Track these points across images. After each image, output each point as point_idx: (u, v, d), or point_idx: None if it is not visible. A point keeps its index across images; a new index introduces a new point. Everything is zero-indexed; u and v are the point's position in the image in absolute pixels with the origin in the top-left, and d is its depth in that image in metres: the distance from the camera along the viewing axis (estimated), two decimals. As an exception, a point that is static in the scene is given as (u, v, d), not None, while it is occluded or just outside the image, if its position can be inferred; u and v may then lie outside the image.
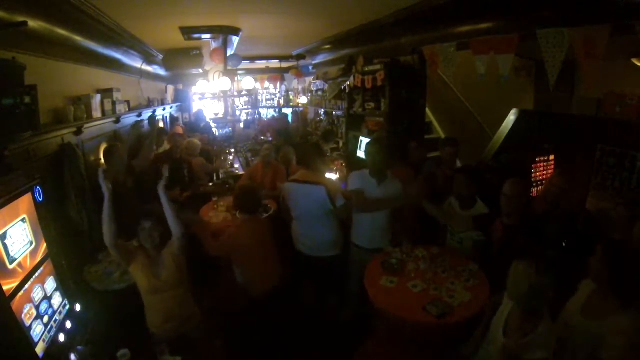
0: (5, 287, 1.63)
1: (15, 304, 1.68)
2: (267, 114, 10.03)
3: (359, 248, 2.95)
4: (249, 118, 9.40)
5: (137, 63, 5.07)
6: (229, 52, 5.00)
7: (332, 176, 4.87)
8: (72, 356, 1.93)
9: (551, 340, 1.59)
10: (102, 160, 3.28)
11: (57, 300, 2.06)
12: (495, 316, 1.87)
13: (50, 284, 2.05)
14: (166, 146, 5.18)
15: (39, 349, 1.76)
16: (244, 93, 9.06)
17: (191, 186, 4.20)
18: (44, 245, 2.06)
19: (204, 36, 4.64)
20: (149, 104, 5.81)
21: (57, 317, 2.01)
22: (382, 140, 3.20)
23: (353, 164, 4.77)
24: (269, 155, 4.16)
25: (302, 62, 8.07)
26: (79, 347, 1.99)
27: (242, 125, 8.12)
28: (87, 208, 2.81)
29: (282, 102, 10.12)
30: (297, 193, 2.97)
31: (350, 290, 3.09)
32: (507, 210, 2.51)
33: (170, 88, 7.77)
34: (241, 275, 2.73)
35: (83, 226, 2.76)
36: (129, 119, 4.68)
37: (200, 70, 7.12)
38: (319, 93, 7.11)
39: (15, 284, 1.72)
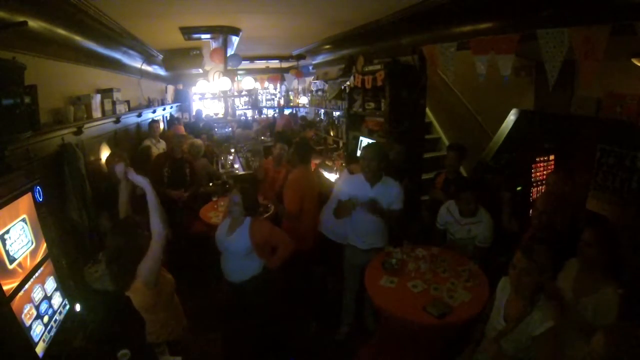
0: (5, 287, 1.63)
1: (15, 304, 1.68)
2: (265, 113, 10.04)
3: (353, 248, 2.92)
4: (249, 118, 9.40)
5: (137, 63, 5.07)
6: (229, 52, 5.00)
7: (332, 176, 4.89)
8: (72, 356, 1.93)
9: (554, 310, 1.69)
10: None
11: (57, 300, 2.06)
12: (493, 309, 1.92)
13: (50, 284, 2.05)
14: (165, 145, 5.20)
15: (39, 349, 1.76)
16: (244, 93, 9.06)
17: (192, 186, 4.20)
18: (44, 245, 2.06)
19: (203, 36, 4.63)
20: (149, 104, 5.82)
21: (57, 317, 2.00)
22: (379, 145, 3.22)
23: (353, 163, 4.78)
24: (281, 155, 4.06)
25: (302, 62, 8.07)
26: (79, 347, 1.99)
27: (237, 126, 8.09)
28: (88, 208, 2.81)
29: (282, 102, 10.12)
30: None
31: (346, 305, 3.10)
32: (536, 224, 2.51)
33: (170, 88, 7.78)
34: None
35: (83, 226, 2.76)
36: (129, 119, 4.69)
37: (200, 70, 7.12)
38: (319, 93, 7.11)
39: (15, 284, 1.72)
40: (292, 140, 4.29)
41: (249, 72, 8.63)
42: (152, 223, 1.92)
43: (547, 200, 2.58)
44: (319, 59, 7.05)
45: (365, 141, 4.93)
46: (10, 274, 1.71)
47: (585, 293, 1.86)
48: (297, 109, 9.64)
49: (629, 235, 2.40)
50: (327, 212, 3.35)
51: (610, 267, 1.87)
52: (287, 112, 9.64)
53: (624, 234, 2.35)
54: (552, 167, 4.07)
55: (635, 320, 1.30)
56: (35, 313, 1.81)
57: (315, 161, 5.37)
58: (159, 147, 5.07)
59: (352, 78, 4.86)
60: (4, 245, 1.70)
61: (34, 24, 2.19)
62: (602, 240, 1.86)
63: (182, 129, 6.16)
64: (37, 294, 1.89)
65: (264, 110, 10.16)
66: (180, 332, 2.14)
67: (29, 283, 1.84)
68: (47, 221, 2.11)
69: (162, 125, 6.77)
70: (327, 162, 5.41)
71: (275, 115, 9.77)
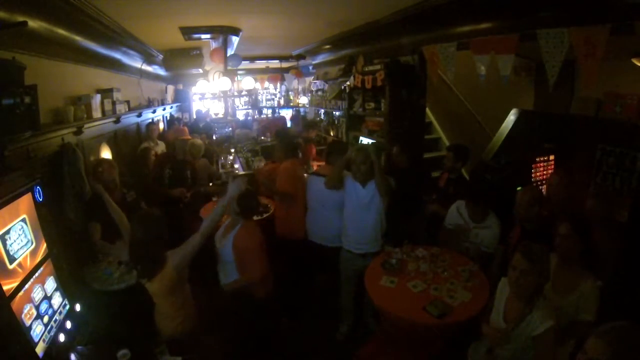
0: (5, 287, 1.63)
1: (15, 304, 1.68)
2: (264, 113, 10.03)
3: (349, 253, 2.93)
4: (249, 118, 9.40)
5: (137, 63, 5.07)
6: (229, 52, 5.00)
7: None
8: (72, 356, 1.93)
9: (552, 309, 1.72)
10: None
11: (57, 300, 2.06)
12: (493, 310, 1.93)
13: (50, 284, 2.05)
14: (163, 146, 5.19)
15: (39, 349, 1.76)
16: (244, 93, 9.06)
17: (194, 187, 4.21)
18: (44, 245, 2.06)
19: (203, 36, 4.64)
20: (149, 104, 5.82)
21: (57, 317, 2.01)
22: (368, 149, 3.23)
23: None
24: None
25: (302, 62, 8.07)
26: (79, 347, 1.99)
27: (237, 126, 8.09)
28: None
29: (282, 102, 10.11)
30: (314, 185, 3.15)
31: (345, 306, 3.10)
32: (524, 218, 2.52)
33: (170, 88, 7.77)
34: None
35: (79, 226, 2.75)
36: (129, 119, 4.69)
37: (200, 70, 7.12)
38: (319, 93, 7.11)
39: (15, 284, 1.72)
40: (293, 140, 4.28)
41: (249, 72, 8.63)
42: (207, 219, 2.20)
43: (531, 193, 2.58)
44: (319, 59, 7.05)
45: (365, 141, 4.94)
46: (10, 274, 1.72)
47: (566, 290, 1.89)
48: (296, 108, 9.63)
49: (616, 231, 2.41)
50: (310, 219, 3.32)
51: (587, 259, 1.90)
52: (283, 112, 9.63)
53: (611, 230, 2.35)
54: (552, 167, 4.06)
55: (622, 317, 1.29)
56: (35, 313, 1.82)
57: (319, 163, 5.34)
58: (156, 150, 5.04)
59: (352, 78, 4.87)
60: (4, 245, 1.70)
61: (34, 24, 2.18)
62: (577, 233, 1.89)
63: (186, 131, 6.15)
64: (37, 294, 1.89)
65: (264, 110, 10.16)
66: (193, 322, 2.21)
67: (29, 283, 1.84)
68: (47, 221, 2.12)
69: (161, 126, 6.77)
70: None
71: (276, 115, 9.77)
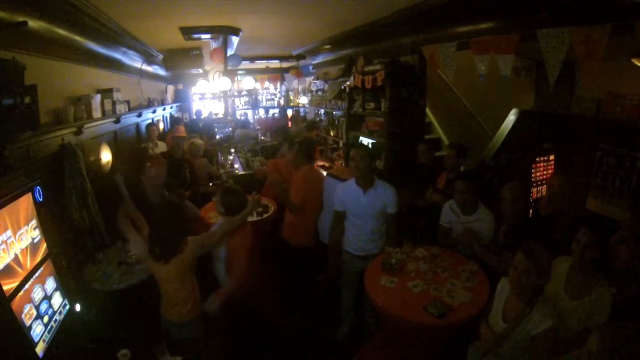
0: (5, 287, 1.63)
1: (15, 304, 1.68)
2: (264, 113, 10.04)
3: (349, 254, 2.93)
4: (248, 118, 9.41)
5: (137, 63, 5.07)
6: (229, 52, 5.00)
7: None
8: (72, 356, 1.93)
9: (552, 310, 1.71)
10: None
11: (57, 300, 2.07)
12: (492, 310, 1.93)
13: (50, 284, 2.05)
14: (162, 147, 5.19)
15: (39, 349, 1.76)
16: (244, 93, 9.07)
17: (192, 186, 4.21)
18: (44, 245, 2.06)
19: (204, 36, 4.63)
20: (149, 104, 5.82)
21: (57, 317, 2.01)
22: (367, 147, 3.22)
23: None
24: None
25: (302, 62, 8.06)
26: (79, 347, 2.00)
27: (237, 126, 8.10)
28: (88, 208, 2.81)
29: (282, 102, 10.12)
30: (332, 188, 3.10)
31: (345, 306, 3.11)
32: (510, 214, 2.52)
33: (170, 88, 7.78)
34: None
35: (84, 226, 2.76)
36: (129, 118, 4.69)
37: (200, 70, 7.13)
38: (319, 93, 7.11)
39: (15, 284, 1.72)
40: (294, 139, 4.29)
41: (249, 72, 8.63)
42: (227, 222, 2.44)
43: (515, 190, 2.59)
44: (319, 59, 7.05)
45: (365, 141, 4.94)
46: (10, 274, 1.72)
47: (579, 294, 1.85)
48: (296, 108, 9.63)
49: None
50: (324, 221, 3.32)
51: (602, 265, 1.86)
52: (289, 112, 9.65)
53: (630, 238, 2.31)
54: (552, 167, 4.06)
55: (629, 319, 1.30)
56: (35, 313, 1.82)
57: (320, 163, 5.34)
58: (155, 151, 5.03)
59: (352, 78, 4.86)
60: (5, 245, 1.70)
61: (34, 24, 2.18)
62: (599, 239, 1.84)
63: (182, 130, 6.16)
64: (37, 294, 1.89)
65: (270, 110, 10.18)
66: (200, 307, 2.28)
67: (29, 283, 1.84)
68: (47, 221, 2.12)
69: (162, 125, 6.78)
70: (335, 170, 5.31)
71: (276, 115, 9.79)
